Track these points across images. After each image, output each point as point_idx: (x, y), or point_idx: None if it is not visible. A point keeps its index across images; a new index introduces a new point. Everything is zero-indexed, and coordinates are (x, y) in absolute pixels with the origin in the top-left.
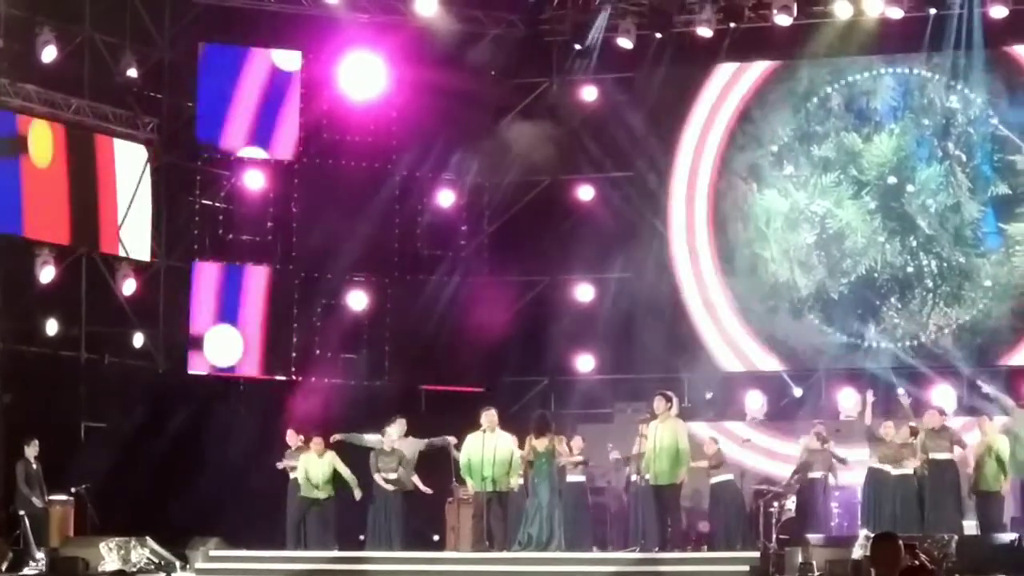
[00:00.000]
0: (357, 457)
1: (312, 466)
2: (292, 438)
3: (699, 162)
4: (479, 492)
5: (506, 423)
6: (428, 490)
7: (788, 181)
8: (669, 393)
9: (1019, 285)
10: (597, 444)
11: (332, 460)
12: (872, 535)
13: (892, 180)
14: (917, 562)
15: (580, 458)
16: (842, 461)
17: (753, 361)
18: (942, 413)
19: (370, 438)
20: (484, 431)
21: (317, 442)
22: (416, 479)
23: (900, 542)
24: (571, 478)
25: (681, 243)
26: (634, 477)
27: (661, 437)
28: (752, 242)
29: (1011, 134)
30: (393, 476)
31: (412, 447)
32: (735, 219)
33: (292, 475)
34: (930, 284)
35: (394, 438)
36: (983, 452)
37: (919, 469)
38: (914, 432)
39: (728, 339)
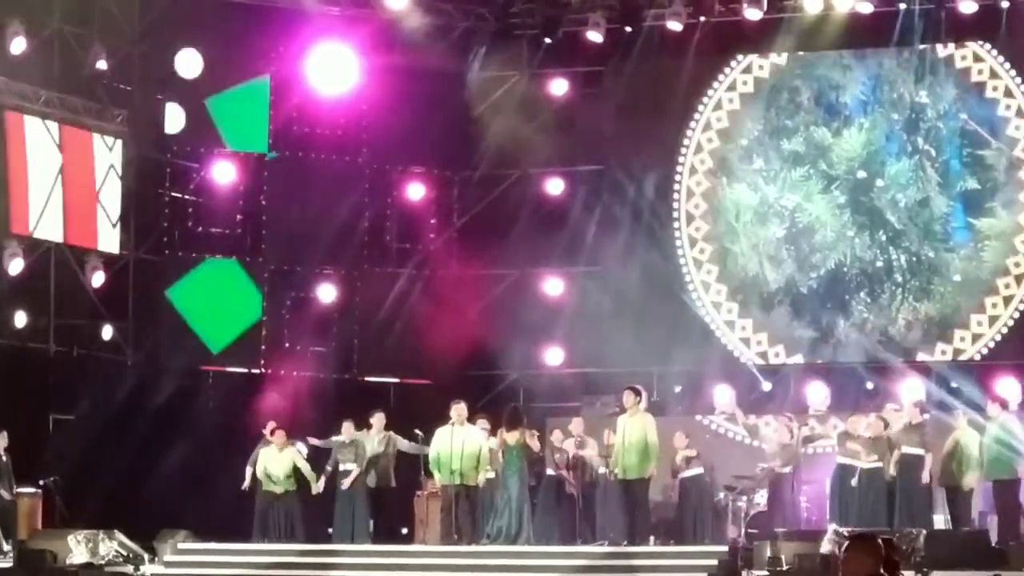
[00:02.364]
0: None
1: (271, 461)
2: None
3: (668, 156)
4: (447, 485)
5: (475, 417)
6: (338, 485)
7: (757, 175)
8: (638, 387)
9: (988, 280)
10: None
11: (292, 455)
12: (840, 529)
13: (861, 174)
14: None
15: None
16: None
17: (722, 355)
18: (921, 408)
19: (335, 439)
20: (453, 424)
21: (278, 436)
22: (351, 471)
23: (880, 541)
24: (550, 471)
25: (650, 236)
26: (602, 470)
27: (630, 431)
28: (721, 236)
29: (980, 129)
30: (351, 467)
31: (386, 442)
32: (704, 213)
33: (248, 469)
34: (899, 279)
35: (373, 432)
36: (952, 447)
37: (888, 463)
38: (885, 426)
39: (697, 333)
